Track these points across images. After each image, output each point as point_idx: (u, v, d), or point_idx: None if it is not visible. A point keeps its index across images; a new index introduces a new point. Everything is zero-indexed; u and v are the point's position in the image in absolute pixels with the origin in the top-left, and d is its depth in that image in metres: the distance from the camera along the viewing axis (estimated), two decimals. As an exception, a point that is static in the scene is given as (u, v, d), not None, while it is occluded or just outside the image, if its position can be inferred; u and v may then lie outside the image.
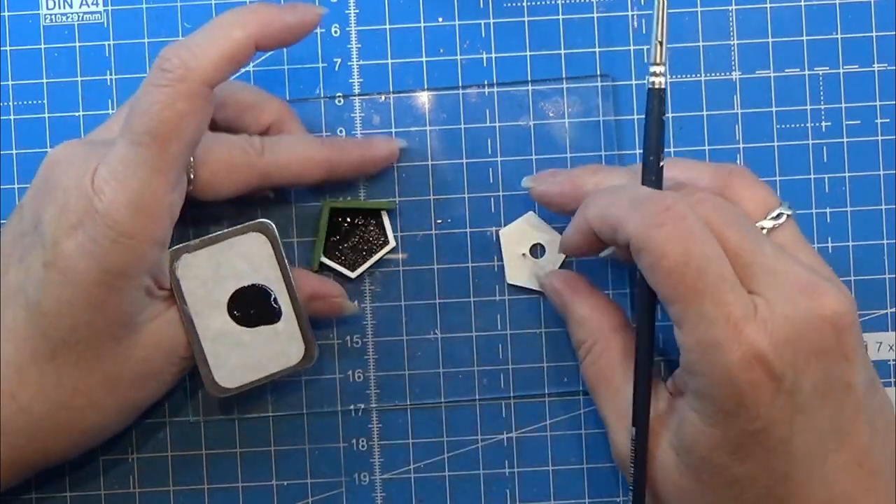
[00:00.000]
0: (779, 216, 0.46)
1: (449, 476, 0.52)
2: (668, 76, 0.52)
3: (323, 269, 0.52)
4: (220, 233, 0.48)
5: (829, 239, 0.52)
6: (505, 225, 0.52)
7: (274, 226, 0.48)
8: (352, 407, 0.52)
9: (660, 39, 0.46)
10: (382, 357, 0.52)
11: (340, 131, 0.52)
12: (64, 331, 0.45)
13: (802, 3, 0.53)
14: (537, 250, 0.52)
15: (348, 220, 0.52)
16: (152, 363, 0.47)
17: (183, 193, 0.46)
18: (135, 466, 0.52)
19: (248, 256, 0.48)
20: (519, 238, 0.52)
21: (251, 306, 0.48)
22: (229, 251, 0.48)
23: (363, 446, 0.53)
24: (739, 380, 0.41)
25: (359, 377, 0.52)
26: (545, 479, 0.52)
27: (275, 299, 0.48)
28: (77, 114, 0.52)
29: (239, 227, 0.48)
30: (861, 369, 0.43)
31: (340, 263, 0.52)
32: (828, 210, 0.52)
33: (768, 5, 0.53)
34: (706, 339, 0.41)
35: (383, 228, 0.52)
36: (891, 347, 0.52)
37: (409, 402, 0.52)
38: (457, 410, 0.52)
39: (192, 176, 0.47)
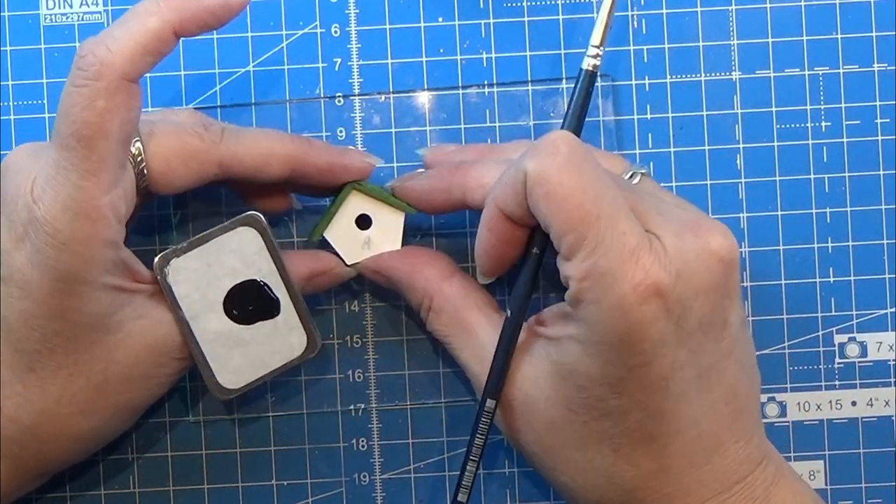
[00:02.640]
0: (632, 176, 0.47)
1: (449, 476, 0.52)
2: (668, 77, 0.52)
3: (322, 244, 0.51)
4: (207, 232, 0.47)
5: (829, 239, 0.52)
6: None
7: (263, 217, 0.47)
8: (352, 407, 0.52)
9: (606, 23, 0.47)
10: (382, 357, 0.52)
11: (340, 131, 0.52)
12: (35, 342, 0.44)
13: (802, 3, 0.53)
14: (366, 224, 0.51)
15: (365, 213, 0.51)
16: (142, 365, 0.46)
17: (128, 190, 0.44)
18: (135, 466, 0.52)
19: (239, 252, 0.47)
20: (344, 223, 0.50)
21: (248, 302, 0.47)
22: (219, 250, 0.47)
23: (363, 446, 0.53)
24: (632, 311, 0.41)
25: (359, 377, 0.52)
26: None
27: (272, 292, 0.48)
28: (77, 114, 0.52)
29: (226, 223, 0.47)
30: (739, 307, 0.43)
31: (341, 246, 0.51)
32: (828, 210, 0.52)
33: (768, 5, 0.53)
34: (600, 267, 0.41)
35: (396, 229, 0.50)
36: (891, 347, 0.52)
37: (409, 402, 0.52)
38: (457, 410, 0.52)
39: (145, 171, 0.45)
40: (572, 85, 0.52)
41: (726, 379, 0.43)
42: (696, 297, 0.42)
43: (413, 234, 0.52)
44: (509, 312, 0.45)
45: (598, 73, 0.47)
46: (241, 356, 0.48)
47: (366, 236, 0.50)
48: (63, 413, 0.45)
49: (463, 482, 0.46)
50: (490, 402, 0.45)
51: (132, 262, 0.46)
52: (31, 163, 0.44)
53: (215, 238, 0.47)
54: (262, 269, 0.47)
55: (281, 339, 0.48)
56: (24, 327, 0.44)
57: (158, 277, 0.46)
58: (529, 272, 0.45)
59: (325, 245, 0.50)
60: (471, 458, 0.46)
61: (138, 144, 0.45)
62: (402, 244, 0.50)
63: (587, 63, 0.47)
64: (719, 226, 0.43)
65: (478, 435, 0.46)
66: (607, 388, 0.42)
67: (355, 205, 0.50)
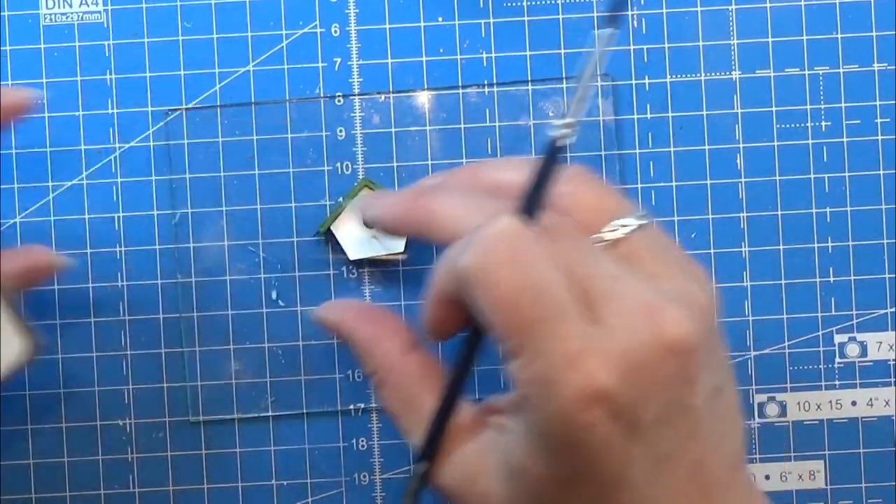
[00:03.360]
0: (626, 226, 0.42)
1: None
2: (668, 77, 0.52)
3: (328, 236, 0.51)
4: None
5: (829, 239, 0.52)
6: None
7: None
8: (351, 407, 0.52)
9: (582, 98, 0.41)
10: (382, 357, 0.52)
11: (340, 131, 0.52)
12: None
13: (802, 3, 0.53)
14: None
15: None
16: None
17: None
18: (135, 466, 0.52)
19: None
20: (351, 218, 0.51)
21: None
22: None
23: (363, 446, 0.53)
24: (574, 420, 0.37)
25: (359, 377, 0.52)
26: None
27: None
28: (77, 114, 0.52)
29: None
30: (702, 387, 0.39)
31: (346, 241, 0.51)
32: (828, 210, 0.52)
33: (768, 5, 0.53)
34: (540, 375, 0.38)
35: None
36: (891, 347, 0.52)
37: (409, 402, 0.52)
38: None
39: None
40: (573, 84, 0.52)
41: (689, 458, 0.40)
42: (647, 393, 0.38)
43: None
44: (448, 380, 0.43)
45: (567, 146, 0.41)
46: None
47: (371, 234, 0.50)
48: None
49: None
50: (420, 466, 0.43)
51: None
52: None
53: None
54: None
55: None
56: None
57: None
58: (464, 353, 0.43)
59: (331, 239, 0.51)
60: None
61: None
62: (406, 246, 0.51)
63: (556, 133, 0.41)
64: (676, 307, 0.39)
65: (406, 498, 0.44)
66: (557, 489, 0.40)
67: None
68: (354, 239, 0.51)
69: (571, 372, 0.37)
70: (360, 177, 0.52)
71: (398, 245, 0.51)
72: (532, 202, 0.41)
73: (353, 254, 0.51)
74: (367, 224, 0.50)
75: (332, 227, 0.51)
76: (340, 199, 0.52)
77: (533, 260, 0.39)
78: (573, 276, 0.39)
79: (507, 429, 0.41)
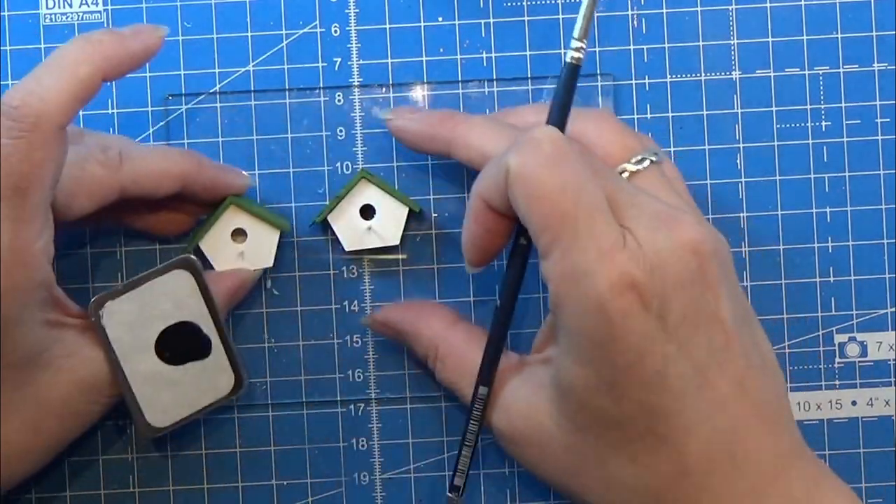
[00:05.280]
0: (641, 160, 0.46)
1: (449, 476, 0.52)
2: (668, 77, 0.53)
3: (324, 227, 0.51)
4: (142, 275, 0.47)
5: (829, 239, 0.52)
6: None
7: (197, 260, 0.48)
8: (351, 406, 0.52)
9: (586, 15, 0.46)
10: (382, 357, 0.52)
11: (340, 131, 0.52)
12: None
13: (802, 3, 0.53)
14: (370, 213, 0.51)
15: (370, 203, 0.51)
16: (73, 403, 0.46)
17: (52, 230, 0.45)
18: (135, 466, 0.52)
19: (172, 295, 0.47)
20: (348, 210, 0.51)
21: (179, 344, 0.48)
22: (153, 292, 0.47)
23: (363, 446, 0.53)
24: (610, 307, 0.41)
25: (359, 377, 0.52)
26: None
27: (203, 333, 0.48)
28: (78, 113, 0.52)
29: (161, 266, 0.47)
30: (728, 302, 0.43)
31: (342, 232, 0.51)
32: (828, 210, 0.52)
33: (768, 5, 0.53)
34: (576, 267, 0.41)
35: (398, 222, 0.51)
36: (891, 347, 0.52)
37: (408, 402, 0.52)
38: (456, 410, 0.52)
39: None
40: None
41: (731, 372, 0.43)
42: (672, 289, 0.42)
43: (415, 232, 0.52)
44: (498, 303, 0.46)
45: (581, 66, 0.46)
46: (170, 396, 0.48)
47: (367, 226, 0.51)
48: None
49: (459, 467, 0.47)
50: (483, 390, 0.46)
51: (62, 297, 0.46)
52: None
53: (149, 281, 0.47)
54: (193, 311, 0.48)
55: (209, 380, 0.48)
56: None
57: (93, 319, 0.46)
58: (517, 262, 0.45)
59: (326, 229, 0.51)
60: (465, 443, 0.47)
61: None
62: (402, 240, 0.51)
63: (569, 56, 0.46)
64: (694, 218, 0.43)
65: (471, 422, 0.46)
66: (606, 395, 0.42)
67: (362, 194, 0.51)
68: (351, 230, 0.51)
69: (605, 264, 0.41)
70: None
71: (394, 237, 0.51)
72: (558, 122, 0.45)
73: (349, 245, 0.51)
74: (392, 132, 0.50)
75: (328, 218, 0.51)
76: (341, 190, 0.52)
77: (574, 161, 0.42)
78: (603, 187, 0.42)
79: (549, 359, 0.45)
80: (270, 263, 0.51)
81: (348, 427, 0.52)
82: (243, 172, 0.52)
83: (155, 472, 0.52)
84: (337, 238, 0.51)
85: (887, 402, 0.52)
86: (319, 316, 0.52)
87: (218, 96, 0.52)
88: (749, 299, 0.52)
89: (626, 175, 0.46)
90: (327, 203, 0.52)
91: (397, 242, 0.51)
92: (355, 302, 0.52)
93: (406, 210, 0.51)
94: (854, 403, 0.52)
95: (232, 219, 0.50)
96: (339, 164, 0.52)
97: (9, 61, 0.52)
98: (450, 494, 0.47)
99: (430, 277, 0.52)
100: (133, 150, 0.48)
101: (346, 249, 0.51)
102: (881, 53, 0.52)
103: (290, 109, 0.52)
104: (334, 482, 0.52)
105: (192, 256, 0.48)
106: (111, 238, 0.52)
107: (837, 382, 0.53)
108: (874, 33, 0.52)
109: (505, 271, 0.46)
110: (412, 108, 0.51)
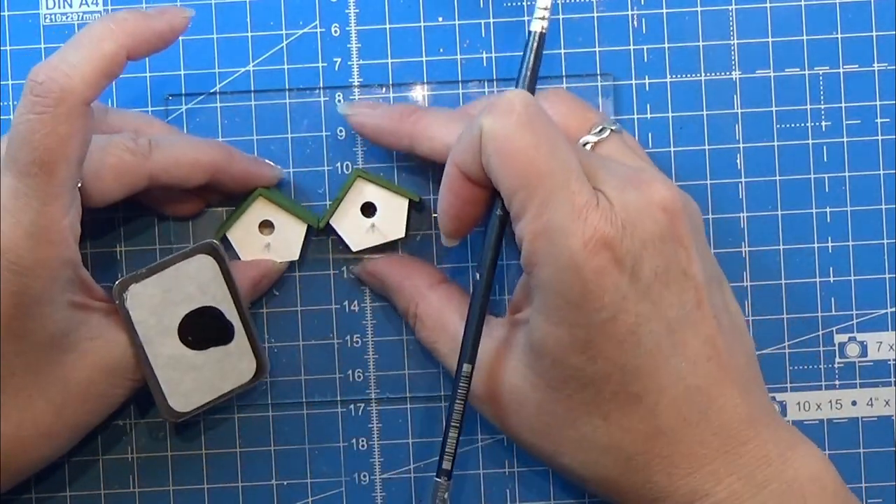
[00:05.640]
0: (602, 131, 0.47)
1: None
2: (668, 77, 0.53)
3: (328, 232, 0.51)
4: (166, 259, 0.47)
5: (829, 239, 0.52)
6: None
7: (220, 246, 0.48)
8: (351, 406, 0.52)
9: None
10: (382, 357, 0.52)
11: (340, 131, 0.52)
12: None
13: (802, 3, 0.53)
14: (371, 211, 0.51)
15: (371, 200, 0.51)
16: (98, 385, 0.46)
17: (79, 208, 0.45)
18: (135, 466, 0.52)
19: (196, 279, 0.48)
20: (349, 210, 0.51)
21: (202, 329, 0.48)
22: (177, 276, 0.47)
23: (363, 446, 0.53)
24: (584, 265, 0.41)
25: (359, 377, 0.52)
26: (545, 479, 0.52)
27: (225, 319, 0.48)
28: (77, 113, 0.52)
29: (186, 250, 0.48)
30: (699, 261, 0.44)
31: (346, 233, 0.51)
32: (828, 210, 0.52)
33: (768, 5, 0.53)
34: (550, 224, 0.42)
35: (400, 215, 0.51)
36: (891, 347, 0.52)
37: (408, 402, 0.52)
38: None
39: (79, 185, 0.45)
40: (573, 83, 0.52)
41: (702, 331, 0.43)
42: (644, 247, 0.42)
43: (414, 232, 0.52)
44: (477, 276, 0.46)
45: (546, 33, 0.47)
46: (193, 380, 0.48)
47: (370, 223, 0.50)
48: (24, 436, 0.45)
49: (446, 450, 0.46)
50: (466, 367, 0.45)
51: (88, 279, 0.47)
52: None
53: (174, 265, 0.47)
54: (216, 296, 0.48)
55: (232, 365, 0.49)
56: None
57: (117, 302, 0.47)
58: (494, 234, 0.45)
59: (331, 232, 0.51)
60: (452, 423, 0.46)
61: None
62: (407, 231, 0.51)
63: (536, 25, 0.47)
64: (662, 179, 0.44)
65: (457, 401, 0.46)
66: (580, 354, 0.43)
67: (361, 193, 0.50)
68: (355, 230, 0.51)
69: (579, 222, 0.41)
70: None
71: (399, 231, 0.51)
72: (529, 88, 0.46)
73: (355, 245, 0.51)
74: (353, 127, 0.51)
75: (331, 221, 0.51)
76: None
77: (547, 122, 0.43)
78: (574, 150, 0.43)
79: (521, 319, 0.45)
80: (296, 257, 0.51)
81: (348, 427, 0.52)
82: (274, 165, 0.52)
83: (155, 472, 0.52)
84: (338, 237, 0.51)
85: (887, 402, 0.52)
86: (319, 316, 0.52)
87: (218, 96, 0.52)
88: (749, 299, 0.52)
89: (589, 146, 0.47)
90: (328, 204, 0.52)
91: (402, 235, 0.51)
92: (355, 302, 0.52)
93: (407, 202, 0.51)
94: (854, 403, 0.52)
95: (260, 210, 0.51)
96: (339, 164, 0.52)
97: (9, 61, 0.52)
98: (438, 479, 0.46)
99: (430, 277, 0.52)
100: (165, 138, 0.49)
101: (354, 250, 0.51)
102: (881, 53, 0.52)
103: (290, 109, 0.52)
104: (334, 482, 0.52)
105: (216, 242, 0.48)
106: (111, 237, 0.52)
107: (837, 382, 0.53)
108: (874, 33, 0.52)
109: (482, 244, 0.46)
110: (372, 102, 0.51)
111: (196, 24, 0.52)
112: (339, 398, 0.52)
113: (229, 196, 0.52)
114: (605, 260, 0.41)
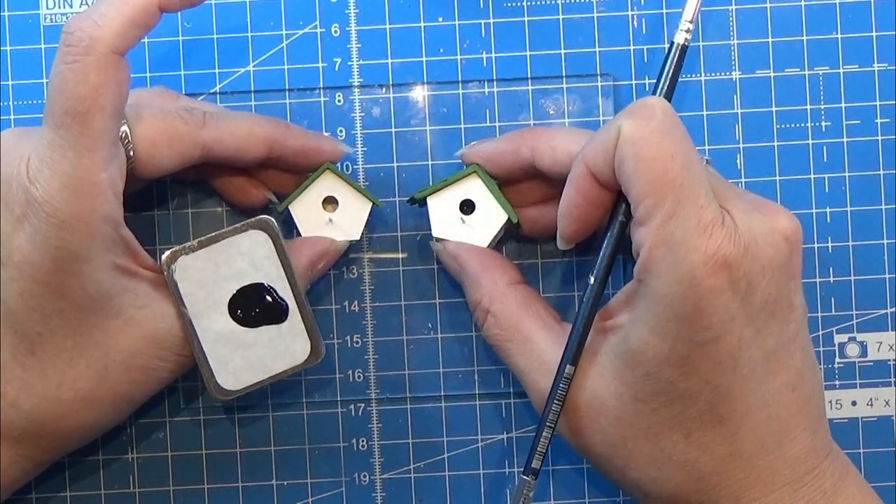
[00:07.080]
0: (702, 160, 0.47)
1: (449, 476, 0.52)
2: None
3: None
4: (218, 232, 0.47)
5: (829, 239, 0.52)
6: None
7: (275, 222, 0.47)
8: (351, 406, 0.52)
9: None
10: (382, 357, 0.52)
11: (340, 131, 0.53)
12: (36, 324, 0.44)
13: (802, 3, 0.53)
14: (467, 208, 0.51)
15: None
16: (142, 356, 0.46)
17: (122, 167, 0.45)
18: (135, 466, 0.52)
19: (248, 255, 0.47)
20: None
21: (254, 306, 0.47)
22: (229, 251, 0.47)
23: (363, 446, 0.53)
24: (702, 282, 0.41)
25: (359, 377, 0.52)
26: (545, 479, 0.52)
27: (279, 297, 0.47)
28: (77, 113, 0.52)
29: (238, 225, 0.47)
30: (800, 295, 0.44)
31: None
32: (828, 210, 0.52)
33: (768, 5, 0.53)
34: (674, 235, 0.41)
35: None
36: (891, 347, 0.52)
37: (408, 402, 0.52)
38: (457, 410, 0.52)
39: (131, 152, 0.45)
40: (573, 83, 0.52)
41: (793, 363, 0.44)
42: (762, 273, 0.42)
43: (414, 232, 0.52)
44: (592, 279, 0.45)
45: (689, 46, 0.47)
46: (243, 358, 0.47)
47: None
48: (63, 399, 0.45)
49: (538, 449, 0.45)
50: (569, 369, 0.45)
51: (133, 243, 0.46)
52: (21, 144, 0.44)
53: (226, 239, 0.47)
54: (270, 273, 0.47)
55: (284, 345, 0.48)
56: (24, 309, 0.44)
57: (165, 274, 0.46)
58: (613, 238, 0.45)
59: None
60: (547, 424, 0.45)
61: (125, 127, 0.45)
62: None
63: (680, 37, 0.47)
64: (784, 209, 0.44)
65: (555, 402, 0.45)
66: (676, 368, 0.43)
67: (326, 185, 0.50)
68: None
69: (704, 238, 0.41)
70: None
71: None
72: (666, 97, 0.46)
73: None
74: (474, 160, 0.50)
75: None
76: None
77: (684, 132, 0.43)
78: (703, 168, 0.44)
79: (617, 325, 0.44)
80: (358, 236, 0.50)
81: (348, 427, 0.52)
82: (337, 140, 0.51)
83: (155, 472, 0.52)
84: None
85: (887, 402, 0.52)
86: (319, 316, 0.52)
87: (218, 96, 0.52)
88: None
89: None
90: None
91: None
92: (355, 302, 0.52)
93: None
94: (854, 403, 0.52)
95: (326, 186, 0.50)
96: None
97: (9, 61, 0.52)
98: (524, 476, 0.46)
99: (430, 277, 0.52)
100: (220, 111, 0.49)
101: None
102: (881, 53, 0.52)
103: (290, 109, 0.52)
104: (334, 482, 0.52)
105: (271, 218, 0.47)
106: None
107: (837, 382, 0.53)
108: (874, 33, 0.52)
109: (602, 248, 0.45)
110: (479, 140, 0.51)
111: (196, 24, 0.52)
112: (339, 398, 0.52)
113: (291, 172, 0.50)
114: (722, 280, 0.41)
